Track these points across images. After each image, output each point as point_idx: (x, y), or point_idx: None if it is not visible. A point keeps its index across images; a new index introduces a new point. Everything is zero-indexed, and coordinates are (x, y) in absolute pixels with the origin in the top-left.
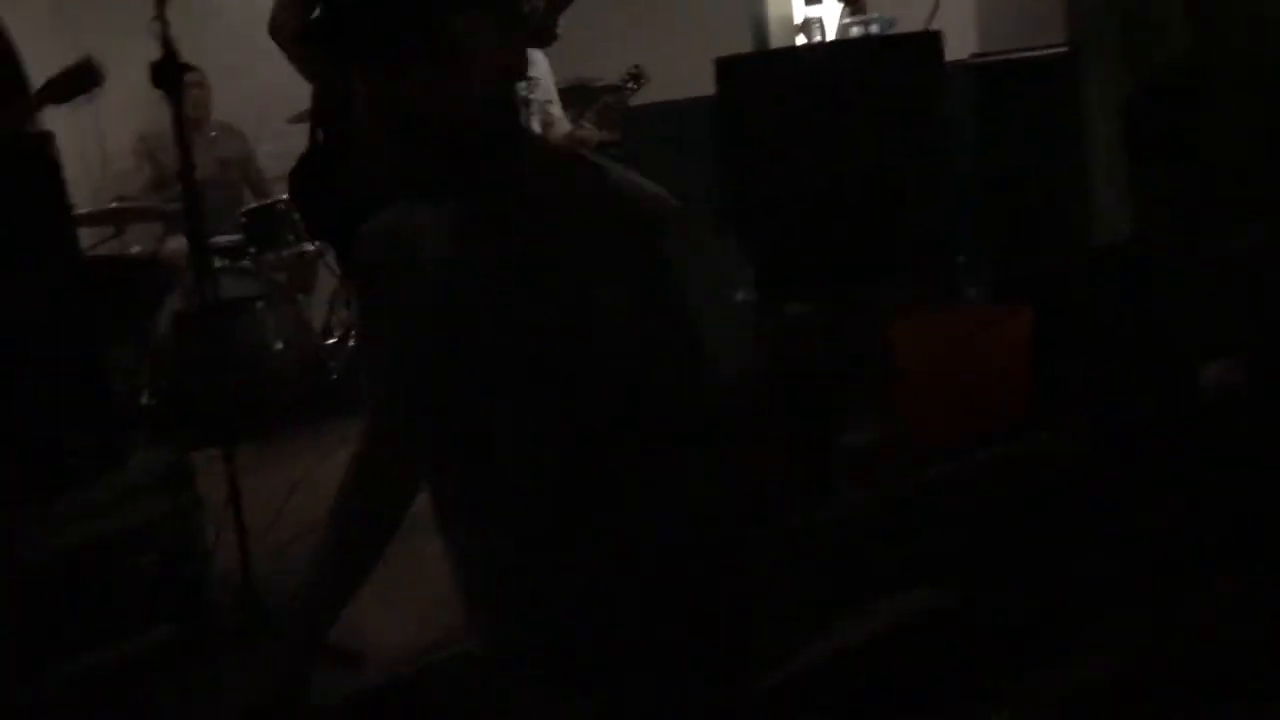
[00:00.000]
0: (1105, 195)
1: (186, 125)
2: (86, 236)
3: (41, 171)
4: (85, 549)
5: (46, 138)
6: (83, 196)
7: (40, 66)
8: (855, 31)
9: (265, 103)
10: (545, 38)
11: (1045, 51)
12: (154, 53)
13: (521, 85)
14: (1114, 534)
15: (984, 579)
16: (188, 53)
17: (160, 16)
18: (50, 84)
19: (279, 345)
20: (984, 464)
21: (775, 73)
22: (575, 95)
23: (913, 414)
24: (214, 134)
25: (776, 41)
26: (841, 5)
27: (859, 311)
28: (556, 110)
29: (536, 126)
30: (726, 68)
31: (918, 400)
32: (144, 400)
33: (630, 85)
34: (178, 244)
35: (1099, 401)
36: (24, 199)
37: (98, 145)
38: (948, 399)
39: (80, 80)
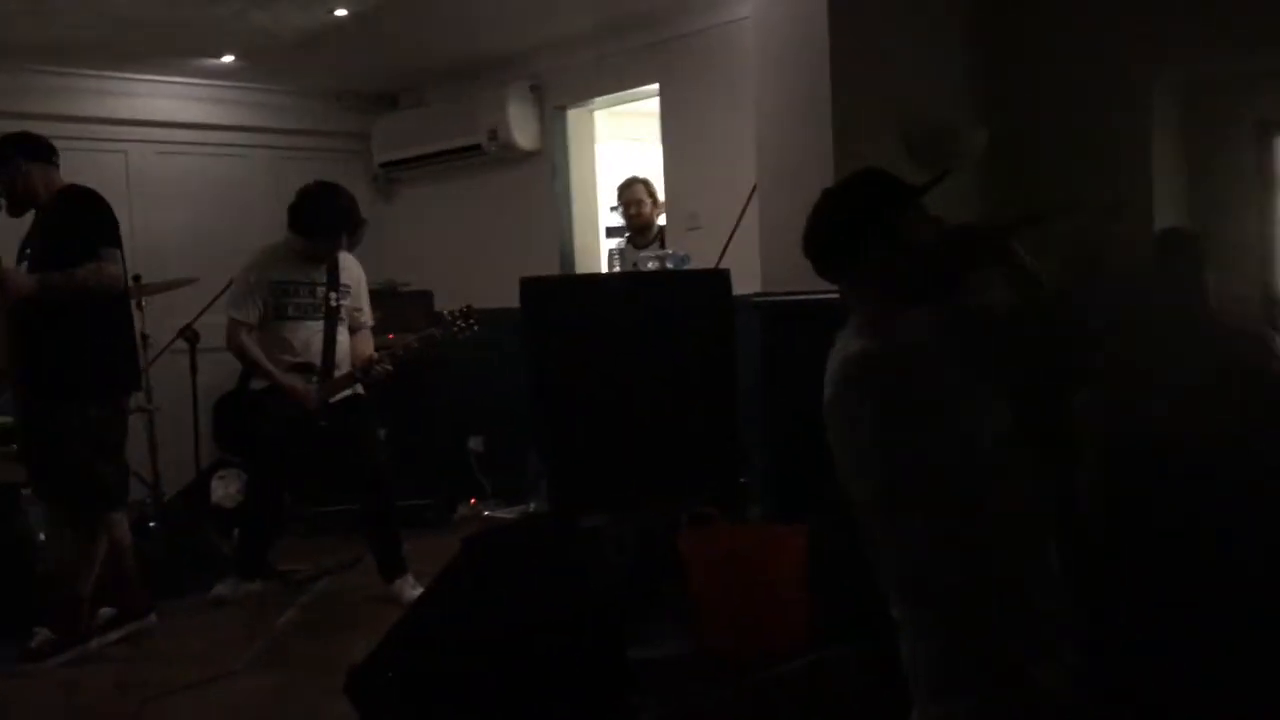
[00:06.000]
0: None
1: None
2: None
3: None
4: None
5: None
6: None
7: None
8: (652, 265)
9: None
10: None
11: (823, 295)
12: None
13: (333, 294)
14: None
15: None
16: None
17: None
18: None
19: None
20: (767, 682)
21: (576, 295)
22: (384, 296)
23: (703, 628)
24: None
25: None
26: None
27: (652, 525)
28: (366, 317)
29: (344, 333)
30: (529, 288)
31: (707, 614)
32: None
33: (460, 324)
34: None
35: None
36: None
37: None
38: (733, 613)
39: None
